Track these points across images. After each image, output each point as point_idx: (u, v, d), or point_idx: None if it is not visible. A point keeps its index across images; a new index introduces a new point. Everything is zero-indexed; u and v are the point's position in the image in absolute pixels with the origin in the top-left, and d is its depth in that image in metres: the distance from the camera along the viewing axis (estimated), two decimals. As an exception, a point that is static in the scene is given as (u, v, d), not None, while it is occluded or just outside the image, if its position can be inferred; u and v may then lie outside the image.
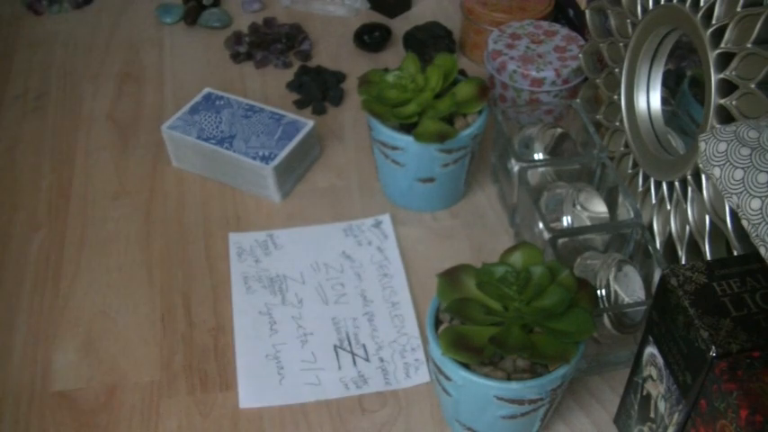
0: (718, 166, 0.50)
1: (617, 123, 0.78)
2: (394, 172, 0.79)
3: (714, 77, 0.61)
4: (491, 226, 0.81)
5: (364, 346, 0.70)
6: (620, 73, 0.76)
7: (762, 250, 0.47)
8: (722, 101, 0.61)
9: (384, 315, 0.73)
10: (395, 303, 0.73)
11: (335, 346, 0.70)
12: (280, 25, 1.07)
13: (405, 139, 0.74)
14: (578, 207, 0.71)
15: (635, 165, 0.75)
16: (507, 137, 0.77)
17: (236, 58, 1.03)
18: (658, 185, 0.71)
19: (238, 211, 0.83)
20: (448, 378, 0.56)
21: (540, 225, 0.69)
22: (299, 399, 0.66)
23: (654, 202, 0.72)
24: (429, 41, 1.00)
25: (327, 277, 0.76)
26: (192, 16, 1.09)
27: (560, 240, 0.68)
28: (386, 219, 0.81)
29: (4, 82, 1.01)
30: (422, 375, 0.68)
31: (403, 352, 0.70)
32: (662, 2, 0.68)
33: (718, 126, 0.52)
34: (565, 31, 0.92)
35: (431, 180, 0.78)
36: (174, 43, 1.07)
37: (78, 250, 0.79)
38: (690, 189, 0.65)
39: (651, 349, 0.54)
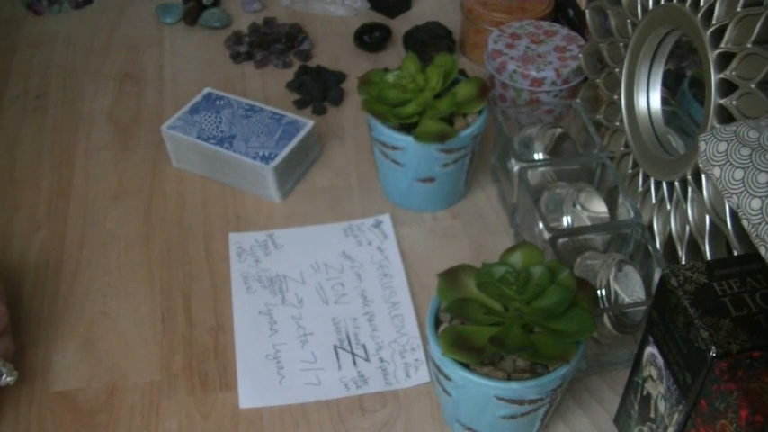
0: (718, 166, 0.50)
1: (617, 123, 0.78)
2: (394, 172, 0.79)
3: (714, 77, 0.61)
4: (491, 226, 0.81)
5: (364, 346, 0.70)
6: (620, 73, 0.76)
7: (762, 250, 0.47)
8: (722, 101, 0.61)
9: (384, 315, 0.73)
10: (395, 303, 0.73)
11: (335, 346, 0.70)
12: (280, 25, 1.07)
13: (405, 139, 0.74)
14: (578, 207, 0.71)
15: (635, 165, 0.75)
16: (507, 137, 0.77)
17: (236, 58, 1.03)
18: (658, 185, 0.71)
19: (238, 211, 0.83)
20: (448, 378, 0.56)
21: (540, 225, 0.69)
22: (299, 399, 0.66)
23: (654, 202, 0.72)
24: (429, 41, 1.00)
25: (327, 277, 0.76)
26: (191, 16, 1.09)
27: (560, 240, 0.68)
28: (386, 219, 0.81)
29: (4, 82, 1.01)
30: (422, 375, 0.68)
31: (403, 352, 0.70)
32: (662, 2, 0.68)
33: (718, 126, 0.52)
34: (565, 31, 0.92)
35: (431, 180, 0.78)
36: (174, 43, 1.07)
37: (78, 250, 0.79)
38: (690, 189, 0.65)
39: (651, 349, 0.54)
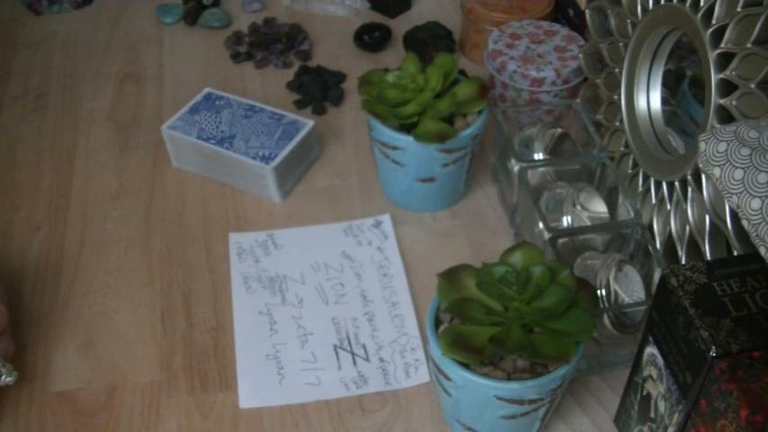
0: (718, 166, 0.50)
1: (617, 123, 0.78)
2: (394, 172, 0.79)
3: (714, 77, 0.61)
4: (491, 226, 0.81)
5: (364, 346, 0.70)
6: (620, 73, 0.76)
7: (762, 250, 0.47)
8: (722, 101, 0.61)
9: (384, 315, 0.73)
10: (395, 303, 0.73)
11: (335, 346, 0.70)
12: (280, 25, 1.07)
13: (405, 139, 0.74)
14: (578, 207, 0.71)
15: (635, 165, 0.75)
16: (507, 137, 0.77)
17: (236, 58, 1.03)
18: (658, 185, 0.71)
19: (238, 211, 0.83)
20: (448, 378, 0.56)
21: (540, 225, 0.69)
22: (299, 399, 0.66)
23: (654, 202, 0.72)
24: (429, 41, 1.00)
25: (327, 277, 0.76)
26: (192, 16, 1.09)
27: (560, 240, 0.68)
28: (386, 219, 0.81)
29: (4, 82, 1.01)
30: (422, 375, 0.68)
31: (403, 352, 0.70)
32: (662, 2, 0.68)
33: (718, 126, 0.52)
34: (565, 31, 0.92)
35: (431, 180, 0.78)
36: (174, 43, 1.07)
37: (78, 250, 0.79)
38: (690, 189, 0.65)
39: (651, 349, 0.54)
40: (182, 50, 1.06)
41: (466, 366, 0.55)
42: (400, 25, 1.07)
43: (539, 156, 0.77)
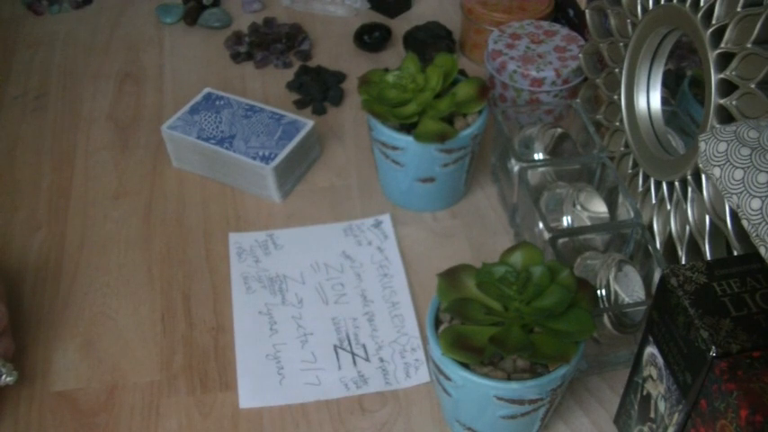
0: (719, 166, 0.50)
1: (617, 123, 0.78)
2: (394, 172, 0.79)
3: (714, 77, 0.61)
4: (491, 226, 0.81)
5: (364, 346, 0.70)
6: (620, 73, 0.76)
7: (762, 250, 0.47)
8: (722, 101, 0.61)
9: (384, 315, 0.73)
10: (395, 303, 0.73)
11: (335, 346, 0.70)
12: (280, 25, 1.07)
13: (405, 139, 0.74)
14: (578, 207, 0.71)
15: (635, 165, 0.75)
16: (507, 137, 0.77)
17: (236, 58, 1.03)
18: (658, 185, 0.71)
19: (238, 211, 0.83)
20: (448, 378, 0.56)
21: (540, 225, 0.69)
22: (299, 399, 0.66)
23: (654, 202, 0.72)
24: (429, 41, 1.00)
25: (327, 277, 0.76)
26: (192, 16, 1.09)
27: (560, 240, 0.68)
28: (386, 219, 0.81)
29: (4, 82, 1.01)
30: (422, 375, 0.68)
31: (403, 352, 0.70)
32: (662, 2, 0.68)
33: (718, 126, 0.52)
34: (565, 31, 0.92)
35: (431, 180, 0.78)
36: (174, 43, 1.07)
37: (78, 250, 0.79)
38: (690, 189, 0.65)
39: (651, 349, 0.54)
40: (182, 50, 1.06)
41: (466, 366, 0.55)
42: (400, 25, 1.07)
43: (539, 156, 0.77)
